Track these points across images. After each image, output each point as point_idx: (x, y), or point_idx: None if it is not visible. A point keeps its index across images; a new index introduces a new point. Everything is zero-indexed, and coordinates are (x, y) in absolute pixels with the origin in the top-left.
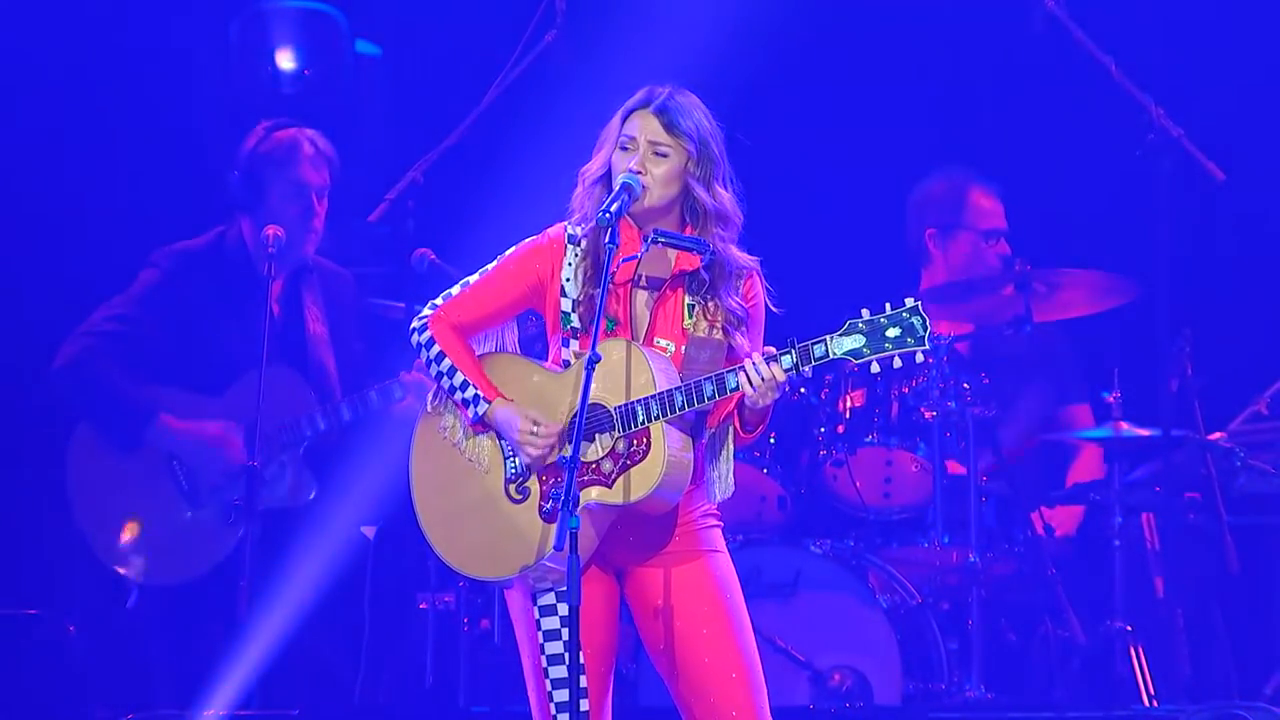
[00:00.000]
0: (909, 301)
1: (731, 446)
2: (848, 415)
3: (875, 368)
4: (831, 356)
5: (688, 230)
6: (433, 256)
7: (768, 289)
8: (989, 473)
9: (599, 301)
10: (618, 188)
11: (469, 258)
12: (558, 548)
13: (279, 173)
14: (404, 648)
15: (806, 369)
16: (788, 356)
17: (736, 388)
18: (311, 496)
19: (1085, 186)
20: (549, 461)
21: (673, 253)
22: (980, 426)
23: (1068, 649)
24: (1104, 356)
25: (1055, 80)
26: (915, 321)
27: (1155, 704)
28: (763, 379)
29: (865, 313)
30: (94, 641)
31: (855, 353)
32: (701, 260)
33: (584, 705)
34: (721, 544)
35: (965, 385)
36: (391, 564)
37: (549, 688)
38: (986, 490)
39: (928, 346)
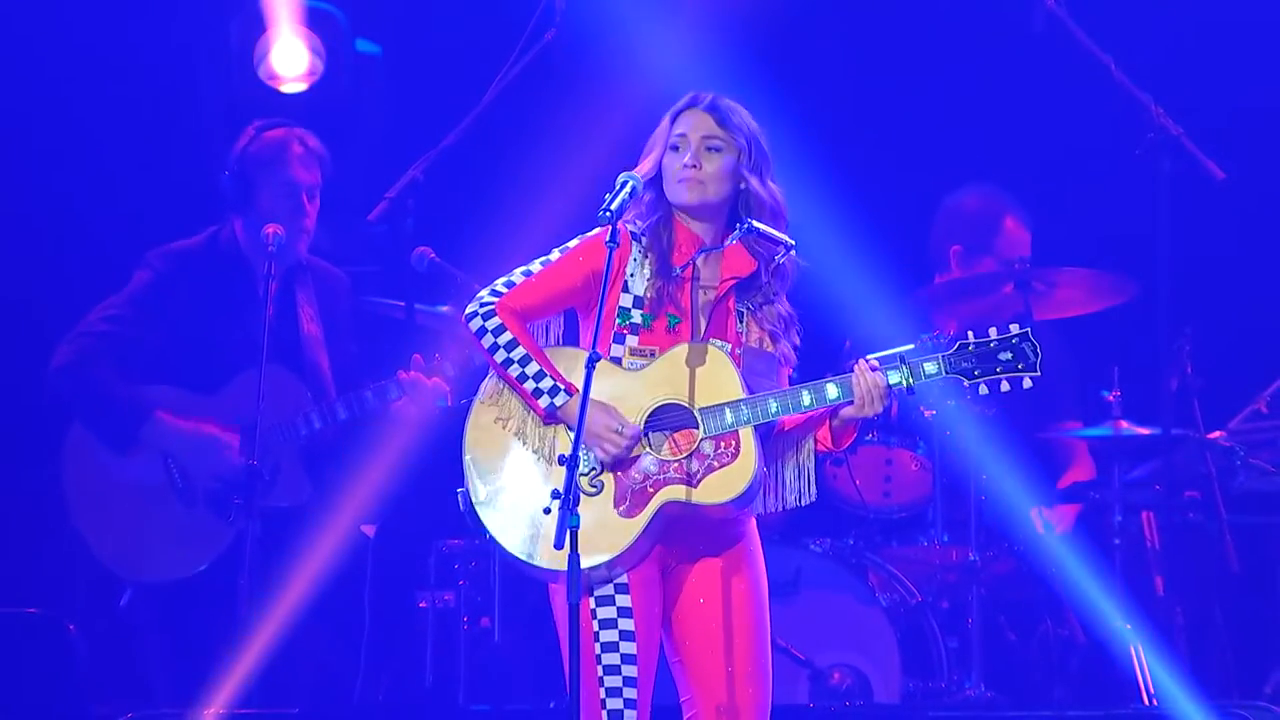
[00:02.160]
0: (1014, 329)
1: (811, 460)
2: None
3: (984, 389)
4: (943, 375)
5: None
6: (433, 255)
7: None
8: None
9: (599, 299)
10: (618, 186)
11: (469, 256)
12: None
13: (269, 173)
14: (404, 646)
15: (913, 383)
16: (895, 372)
17: (838, 399)
18: (307, 496)
19: (1085, 185)
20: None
21: (719, 257)
22: (980, 425)
23: (1067, 648)
24: (1104, 355)
25: (1055, 79)
26: (1026, 348)
27: (1155, 703)
28: (870, 386)
29: (971, 335)
30: (93, 640)
31: (966, 373)
32: (777, 257)
33: (630, 693)
34: (757, 541)
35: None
36: (391, 563)
37: (600, 673)
38: (986, 489)
39: (1039, 373)
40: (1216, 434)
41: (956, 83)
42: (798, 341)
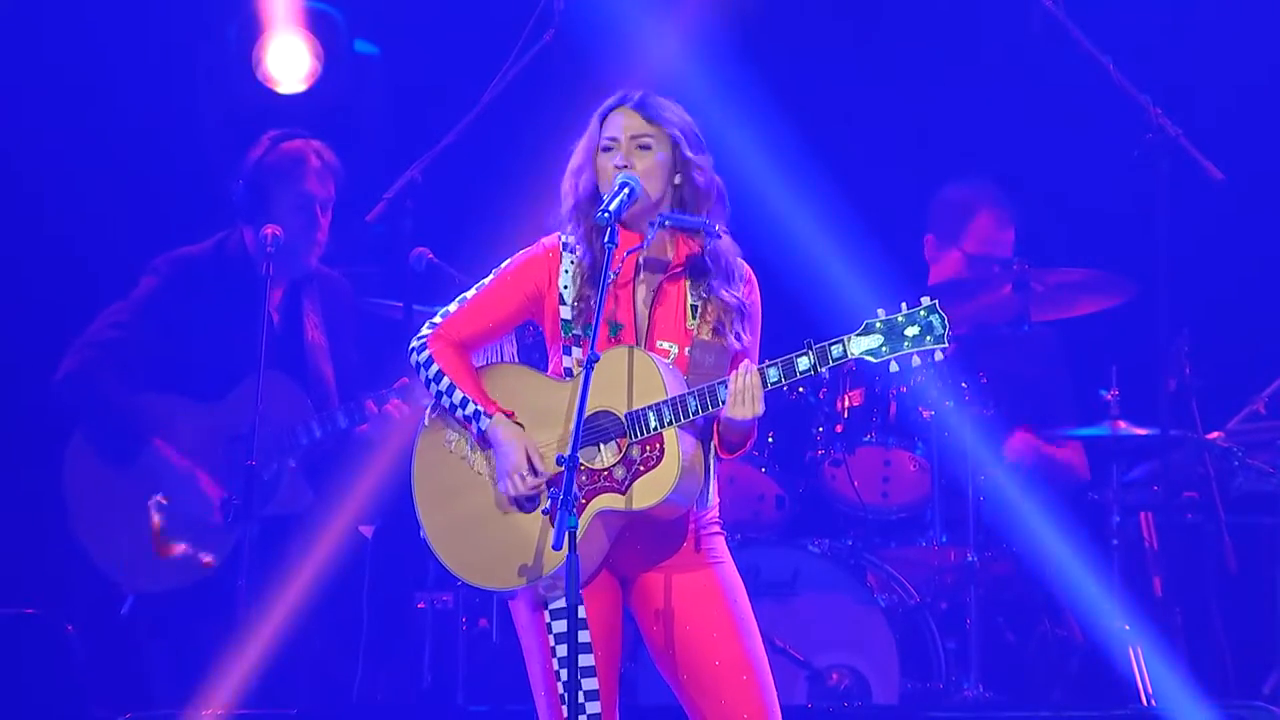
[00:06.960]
0: (925, 300)
1: (711, 461)
2: (846, 415)
3: (894, 367)
4: (849, 357)
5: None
6: (431, 255)
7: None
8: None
9: (598, 301)
10: (615, 187)
11: (467, 257)
12: (555, 547)
13: (285, 184)
14: (402, 647)
15: (824, 370)
16: (805, 358)
17: None
18: (308, 503)
19: (1084, 186)
20: (539, 508)
21: (671, 244)
22: (978, 426)
23: (1066, 648)
24: (1102, 355)
25: (1053, 80)
26: (934, 320)
27: (1153, 704)
28: (744, 387)
29: (881, 313)
30: (92, 641)
31: (873, 352)
32: (705, 244)
33: (593, 709)
34: (726, 553)
35: (963, 385)
36: (389, 563)
37: (561, 690)
38: (984, 489)
39: (947, 345)
40: (1215, 435)
41: (955, 83)
42: (752, 338)
